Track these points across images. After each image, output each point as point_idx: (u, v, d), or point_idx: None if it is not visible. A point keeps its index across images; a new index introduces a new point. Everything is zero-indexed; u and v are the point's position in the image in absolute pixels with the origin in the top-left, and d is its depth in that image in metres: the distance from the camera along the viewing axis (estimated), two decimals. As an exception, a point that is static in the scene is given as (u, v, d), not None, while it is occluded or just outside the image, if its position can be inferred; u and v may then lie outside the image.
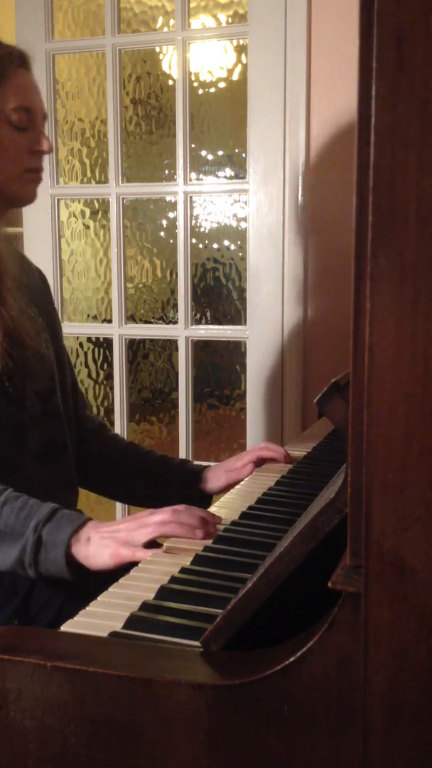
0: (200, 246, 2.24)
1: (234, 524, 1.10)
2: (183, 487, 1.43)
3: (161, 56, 2.25)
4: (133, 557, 1.00)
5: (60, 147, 2.31)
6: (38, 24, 2.21)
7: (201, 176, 2.19)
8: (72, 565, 1.03)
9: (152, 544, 1.03)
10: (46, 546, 1.03)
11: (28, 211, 2.26)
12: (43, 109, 1.32)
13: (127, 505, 2.24)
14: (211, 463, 1.51)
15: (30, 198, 1.31)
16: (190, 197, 2.18)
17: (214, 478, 1.42)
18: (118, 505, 2.27)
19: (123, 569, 0.97)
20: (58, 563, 1.03)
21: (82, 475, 1.42)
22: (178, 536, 1.02)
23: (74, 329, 2.35)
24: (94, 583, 0.93)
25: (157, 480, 1.45)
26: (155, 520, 1.03)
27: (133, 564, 0.98)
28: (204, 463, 1.51)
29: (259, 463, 1.44)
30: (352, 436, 0.59)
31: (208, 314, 2.27)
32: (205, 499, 1.44)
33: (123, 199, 2.25)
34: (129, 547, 1.01)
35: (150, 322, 2.35)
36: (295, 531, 0.72)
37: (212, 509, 1.20)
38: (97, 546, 1.02)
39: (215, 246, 2.23)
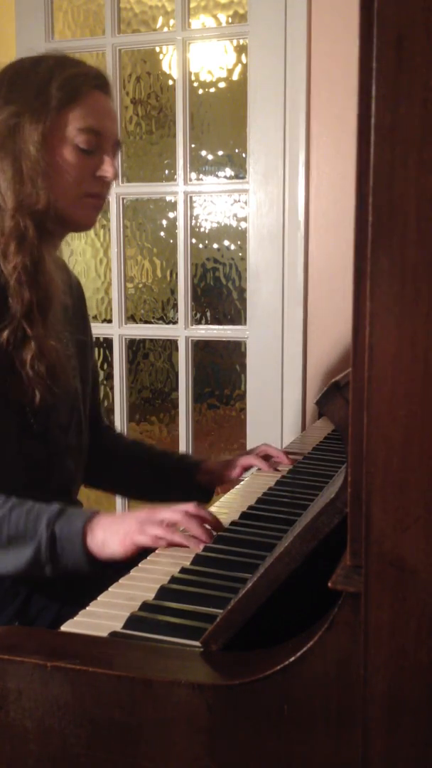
0: (200, 246, 2.24)
1: (234, 524, 1.10)
2: (182, 480, 1.46)
3: (161, 56, 2.25)
4: (142, 544, 1.01)
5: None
6: (38, 24, 2.21)
7: (201, 176, 2.19)
8: (89, 555, 1.03)
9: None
10: (61, 540, 1.03)
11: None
12: (116, 135, 1.26)
13: (126, 505, 2.24)
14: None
15: (88, 224, 1.26)
16: (190, 197, 2.18)
17: (211, 472, 1.46)
18: (118, 505, 2.27)
19: (132, 563, 0.98)
20: (76, 555, 1.03)
21: (87, 473, 1.42)
22: (181, 545, 1.02)
23: (74, 329, 2.35)
24: (93, 586, 0.92)
25: (158, 474, 1.47)
26: (167, 521, 1.04)
27: (133, 563, 0.98)
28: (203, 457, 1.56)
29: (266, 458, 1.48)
30: (352, 436, 0.59)
31: (208, 314, 2.27)
32: (204, 493, 1.47)
33: (123, 199, 2.25)
34: (138, 535, 1.01)
35: (150, 322, 2.35)
36: (295, 531, 0.72)
37: (212, 509, 1.20)
38: (109, 532, 1.02)
39: (215, 246, 2.23)
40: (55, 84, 1.17)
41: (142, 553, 1.01)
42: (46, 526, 1.04)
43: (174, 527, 1.03)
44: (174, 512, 1.05)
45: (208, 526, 1.05)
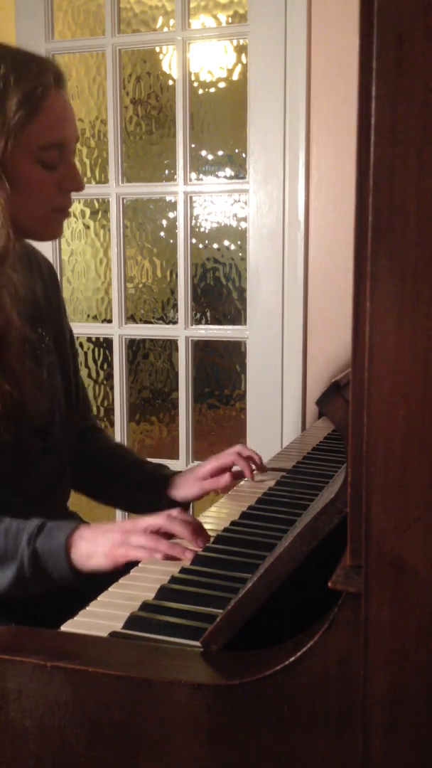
0: (200, 246, 2.24)
1: (234, 524, 1.10)
2: (151, 493, 1.35)
3: (161, 56, 2.25)
4: (126, 556, 0.98)
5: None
6: (38, 24, 2.21)
7: (201, 176, 2.19)
8: (74, 569, 1.01)
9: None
10: (43, 556, 1.01)
11: (28, 211, 2.26)
12: (76, 133, 1.16)
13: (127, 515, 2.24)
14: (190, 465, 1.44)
15: (56, 236, 1.20)
16: (190, 197, 2.18)
17: (185, 486, 1.33)
18: (118, 515, 2.26)
19: (119, 572, 0.96)
20: (60, 569, 1.01)
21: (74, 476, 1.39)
22: (169, 558, 0.99)
23: (74, 329, 2.32)
24: (92, 592, 0.91)
25: (130, 484, 1.38)
26: (151, 527, 1.02)
27: (131, 564, 0.98)
28: (178, 469, 1.42)
29: (236, 475, 1.35)
30: (352, 436, 0.59)
31: (208, 314, 2.27)
32: (173, 506, 1.33)
33: (123, 199, 2.25)
34: (123, 547, 0.99)
35: (150, 322, 2.35)
36: (295, 531, 0.72)
37: (212, 509, 1.20)
38: (93, 544, 1.00)
39: (215, 246, 2.23)
40: (13, 99, 1.05)
41: (129, 563, 1.00)
42: (27, 543, 1.01)
43: (159, 535, 1.01)
44: (156, 517, 1.03)
45: (194, 525, 1.03)
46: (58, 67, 1.14)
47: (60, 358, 1.32)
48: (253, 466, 1.35)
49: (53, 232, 1.19)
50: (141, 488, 1.35)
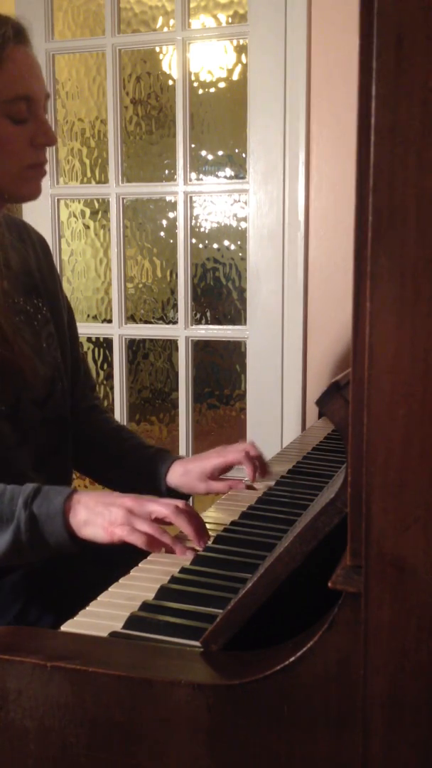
0: (200, 246, 2.24)
1: (234, 524, 1.10)
2: (150, 480, 1.32)
3: (161, 56, 2.25)
4: (125, 538, 0.96)
5: (60, 147, 2.31)
6: (38, 24, 2.21)
7: (201, 176, 2.19)
8: (71, 533, 0.99)
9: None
10: (40, 519, 0.98)
11: (27, 212, 2.26)
12: (45, 89, 1.16)
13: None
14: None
15: (34, 195, 1.19)
16: (190, 197, 2.18)
17: (190, 480, 1.28)
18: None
19: (119, 572, 0.95)
20: (58, 534, 0.98)
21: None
22: (168, 550, 0.98)
23: (74, 329, 2.35)
24: (92, 593, 0.90)
25: (129, 470, 1.35)
26: (156, 514, 0.99)
27: (131, 564, 0.98)
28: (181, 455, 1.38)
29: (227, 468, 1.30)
30: (352, 436, 0.59)
31: (208, 314, 2.27)
32: (173, 495, 1.30)
33: (123, 199, 2.25)
34: (124, 527, 0.96)
35: (150, 322, 2.35)
36: (295, 531, 0.72)
37: (211, 510, 1.20)
38: (92, 513, 0.98)
39: (215, 246, 2.23)
40: None
41: (131, 551, 0.98)
42: (23, 506, 0.99)
43: (162, 523, 0.99)
44: (164, 506, 1.00)
45: (197, 523, 1.01)
46: (18, 22, 1.16)
47: (57, 329, 1.31)
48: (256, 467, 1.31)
49: (30, 191, 1.18)
50: (141, 474, 1.32)
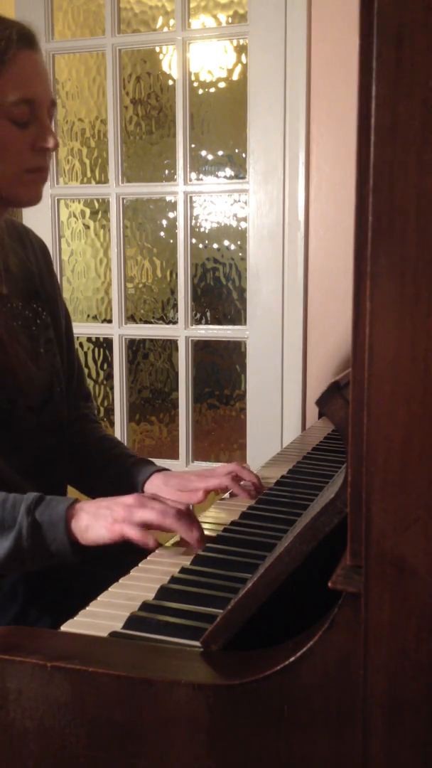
0: (200, 246, 2.24)
1: (234, 524, 1.10)
2: (129, 492, 1.25)
3: (161, 56, 2.25)
4: (128, 534, 0.96)
5: (60, 147, 2.31)
6: (38, 24, 2.20)
7: (201, 176, 2.19)
8: (73, 541, 0.99)
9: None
10: (43, 526, 0.99)
11: (27, 212, 2.26)
12: (50, 95, 1.16)
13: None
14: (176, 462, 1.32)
15: (34, 200, 1.18)
16: (190, 197, 2.18)
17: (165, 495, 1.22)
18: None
19: (119, 572, 0.95)
20: (59, 540, 0.99)
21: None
22: (174, 530, 0.98)
23: (74, 329, 2.34)
24: (92, 594, 0.90)
25: (111, 480, 1.33)
26: (157, 507, 0.99)
27: (131, 558, 0.97)
28: (159, 466, 1.31)
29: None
30: (352, 436, 0.59)
31: (208, 314, 2.27)
32: None
33: (123, 199, 2.25)
34: (126, 523, 0.97)
35: (150, 322, 2.35)
36: (295, 531, 0.72)
37: (211, 510, 1.20)
38: (94, 517, 0.98)
39: (215, 246, 2.23)
40: None
41: (134, 551, 0.98)
42: (26, 513, 0.99)
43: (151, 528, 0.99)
44: (163, 509, 0.99)
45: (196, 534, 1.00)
46: (26, 27, 1.15)
47: (56, 335, 1.31)
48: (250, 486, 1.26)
49: (30, 196, 1.18)
50: (121, 484, 1.30)
